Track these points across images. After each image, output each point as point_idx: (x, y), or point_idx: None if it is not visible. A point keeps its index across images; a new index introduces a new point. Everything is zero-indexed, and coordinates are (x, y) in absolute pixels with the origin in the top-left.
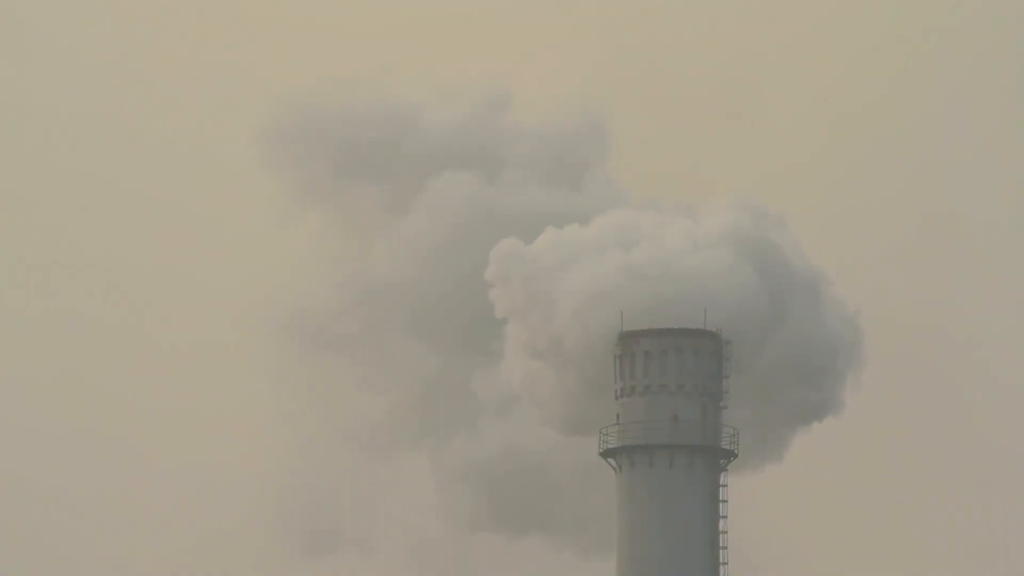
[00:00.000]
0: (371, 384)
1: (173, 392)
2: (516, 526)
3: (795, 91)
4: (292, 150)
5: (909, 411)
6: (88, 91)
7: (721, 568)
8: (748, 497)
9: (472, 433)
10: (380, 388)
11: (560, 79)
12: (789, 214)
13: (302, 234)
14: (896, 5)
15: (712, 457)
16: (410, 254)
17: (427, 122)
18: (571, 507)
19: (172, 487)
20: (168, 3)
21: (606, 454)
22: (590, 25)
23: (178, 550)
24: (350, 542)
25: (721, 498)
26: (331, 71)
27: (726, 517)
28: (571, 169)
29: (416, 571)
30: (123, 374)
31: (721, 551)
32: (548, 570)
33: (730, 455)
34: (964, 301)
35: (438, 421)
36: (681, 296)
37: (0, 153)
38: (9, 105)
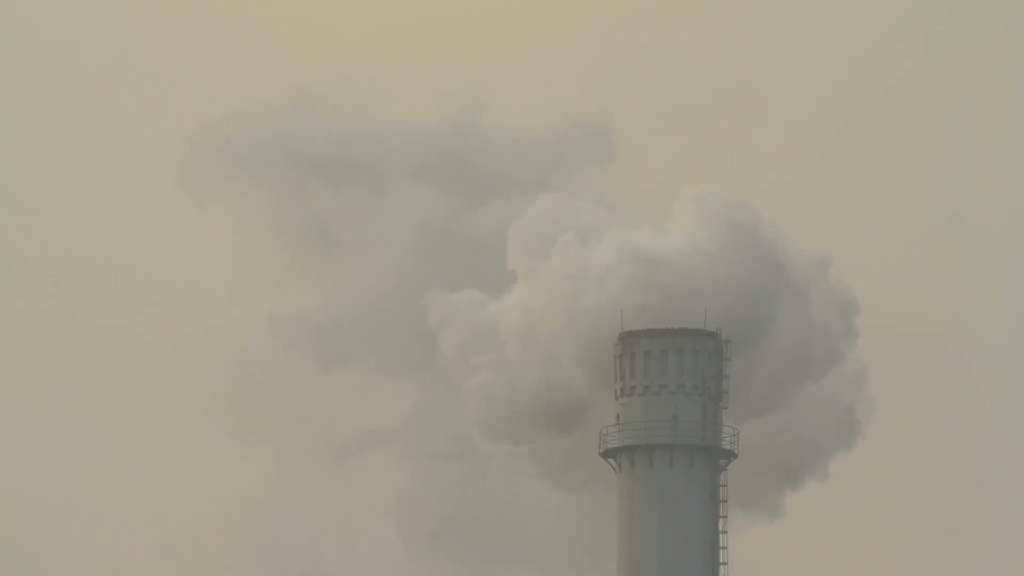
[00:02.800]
0: (339, 421)
1: (129, 426)
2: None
3: (794, 95)
4: (244, 167)
5: (908, 421)
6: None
7: (721, 568)
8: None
9: (441, 476)
10: (350, 425)
11: (552, 84)
12: (789, 218)
13: (259, 256)
14: (899, 6)
15: (712, 457)
16: (379, 279)
17: (402, 132)
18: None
19: (132, 529)
20: (143, 8)
21: (606, 454)
22: (582, 28)
23: None
24: None
25: (721, 498)
26: (302, 76)
27: (726, 517)
28: (564, 178)
29: None
30: (80, 398)
31: (721, 551)
32: None
33: (730, 455)
34: (966, 307)
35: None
36: (681, 295)
37: None
38: None
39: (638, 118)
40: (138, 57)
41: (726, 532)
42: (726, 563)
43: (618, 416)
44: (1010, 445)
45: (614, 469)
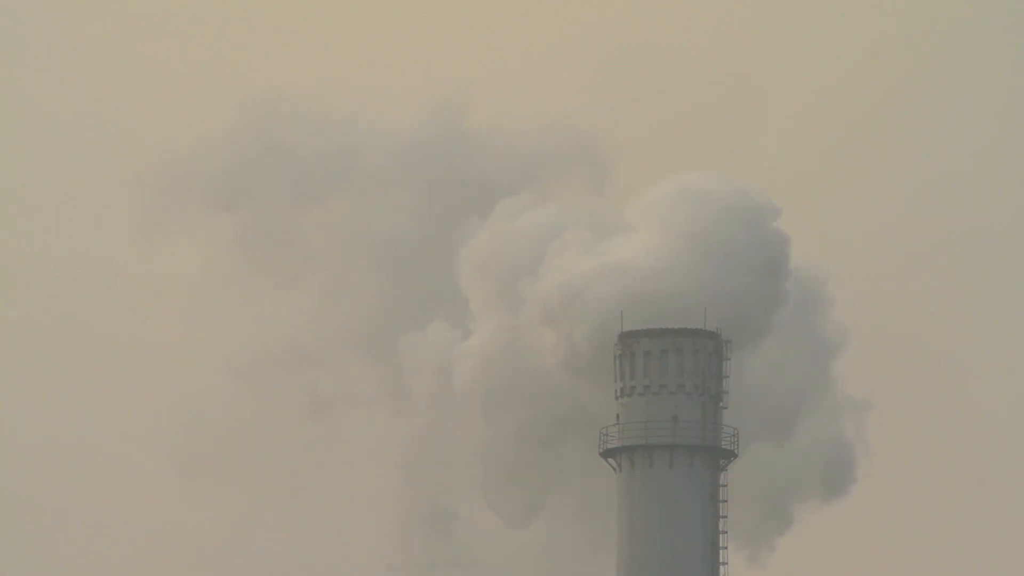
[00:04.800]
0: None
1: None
2: None
3: (794, 97)
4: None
5: (908, 429)
6: None
7: (721, 568)
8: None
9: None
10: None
11: (547, 88)
12: (789, 220)
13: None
14: (899, 6)
15: (712, 457)
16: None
17: (386, 143)
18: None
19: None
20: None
21: (606, 454)
22: (578, 30)
23: None
24: None
25: (721, 498)
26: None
27: (726, 517)
28: (560, 186)
29: None
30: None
31: (721, 551)
32: None
33: (730, 455)
34: (967, 311)
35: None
36: (680, 296)
37: None
38: None
39: (636, 120)
40: (139, 58)
41: (726, 532)
42: (726, 563)
43: (618, 416)
44: (1010, 447)
45: (614, 469)
